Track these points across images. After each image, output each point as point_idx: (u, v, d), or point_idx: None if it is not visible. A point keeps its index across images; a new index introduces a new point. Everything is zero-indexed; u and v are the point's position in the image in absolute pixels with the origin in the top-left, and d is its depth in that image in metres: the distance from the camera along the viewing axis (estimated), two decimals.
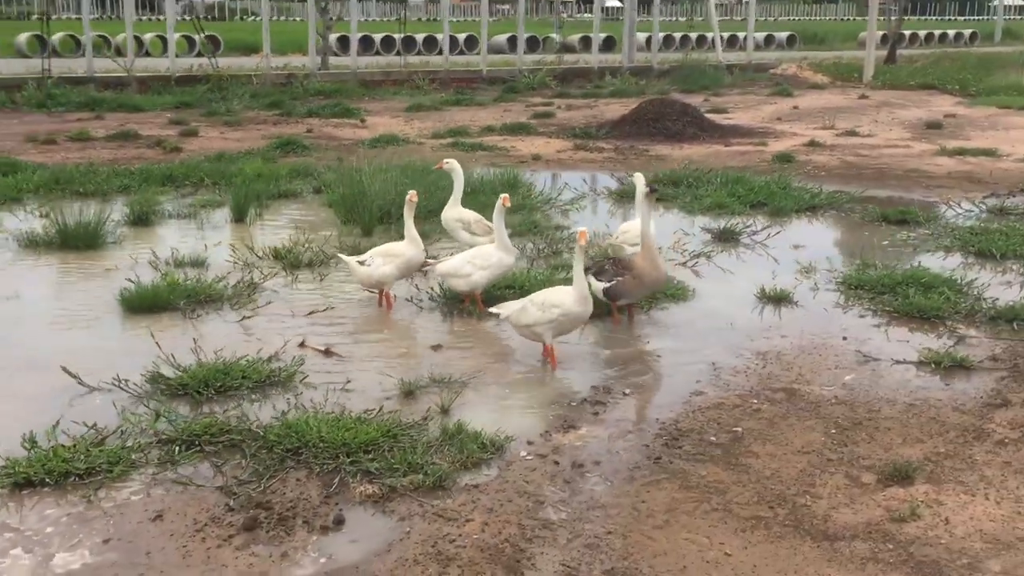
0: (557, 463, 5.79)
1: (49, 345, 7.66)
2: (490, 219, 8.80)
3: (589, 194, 14.06)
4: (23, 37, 34.73)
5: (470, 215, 9.53)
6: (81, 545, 4.89)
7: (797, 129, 20.94)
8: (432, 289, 9.03)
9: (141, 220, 11.73)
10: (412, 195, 8.44)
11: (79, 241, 10.48)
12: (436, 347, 7.73)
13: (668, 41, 43.11)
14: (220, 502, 5.27)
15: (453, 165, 9.49)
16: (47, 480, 5.41)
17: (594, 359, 7.55)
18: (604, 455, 5.90)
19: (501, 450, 5.89)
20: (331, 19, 33.36)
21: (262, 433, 5.94)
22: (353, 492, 5.40)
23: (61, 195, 13.12)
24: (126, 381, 6.66)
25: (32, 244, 10.57)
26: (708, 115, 21.34)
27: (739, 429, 6.25)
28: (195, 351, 7.23)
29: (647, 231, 7.97)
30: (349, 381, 6.90)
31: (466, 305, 8.57)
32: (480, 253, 8.35)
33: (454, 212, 9.51)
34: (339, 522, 5.11)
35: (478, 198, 11.28)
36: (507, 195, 8.31)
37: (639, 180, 9.09)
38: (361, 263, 8.48)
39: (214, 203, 12.82)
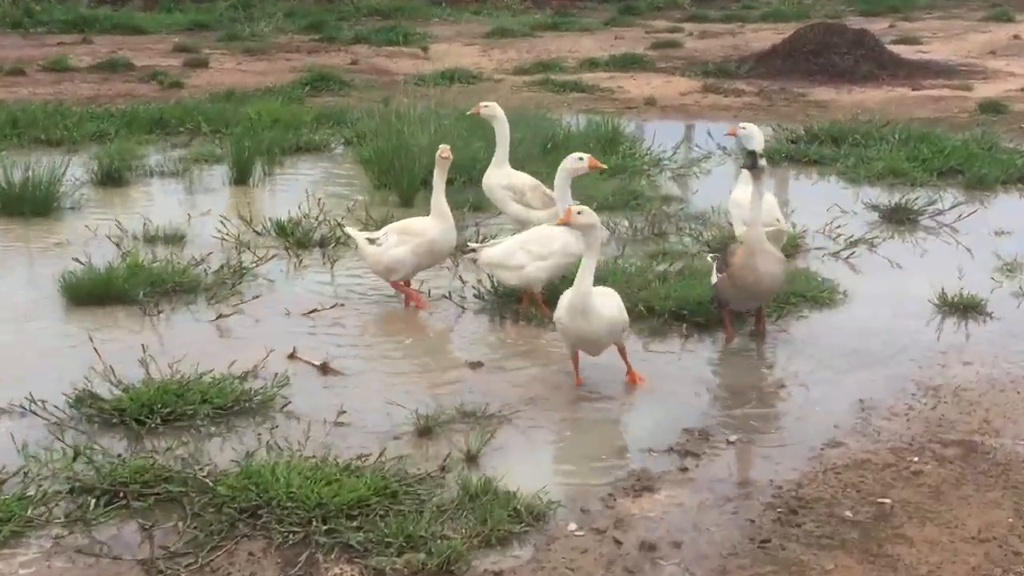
0: (619, 543, 5.31)
1: None
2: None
3: (717, 153, 13.45)
4: None
5: (523, 180, 9.23)
6: None
7: (1016, 68, 20.03)
8: (481, 283, 8.63)
9: (112, 178, 11.71)
10: (444, 150, 8.09)
11: (24, 206, 10.42)
12: (475, 365, 7.36)
13: None
14: None
15: (494, 110, 9.25)
16: None
17: (693, 390, 7.05)
18: (688, 533, 5.40)
19: (541, 520, 5.44)
20: None
21: (211, 484, 5.59)
22: (324, 574, 5.01)
23: (16, 143, 13.09)
24: (42, 403, 6.39)
25: None
26: (892, 47, 20.61)
27: (888, 501, 5.69)
28: (144, 362, 6.94)
29: (755, 216, 7.44)
30: (344, 412, 6.52)
31: (524, 307, 8.15)
32: (538, 236, 7.92)
33: (500, 175, 9.20)
34: None
35: (558, 157, 10.89)
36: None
37: (752, 134, 8.65)
38: (372, 241, 8.14)
39: (212, 157, 12.72)
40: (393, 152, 11.22)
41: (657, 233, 10.09)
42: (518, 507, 5.46)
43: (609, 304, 6.88)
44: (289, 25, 23.96)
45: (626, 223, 10.27)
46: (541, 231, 8.03)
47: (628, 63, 19.82)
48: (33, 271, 9.13)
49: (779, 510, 5.62)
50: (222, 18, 24.28)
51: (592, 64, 19.75)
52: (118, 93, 16.40)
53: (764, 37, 23.08)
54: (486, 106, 9.32)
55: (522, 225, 8.96)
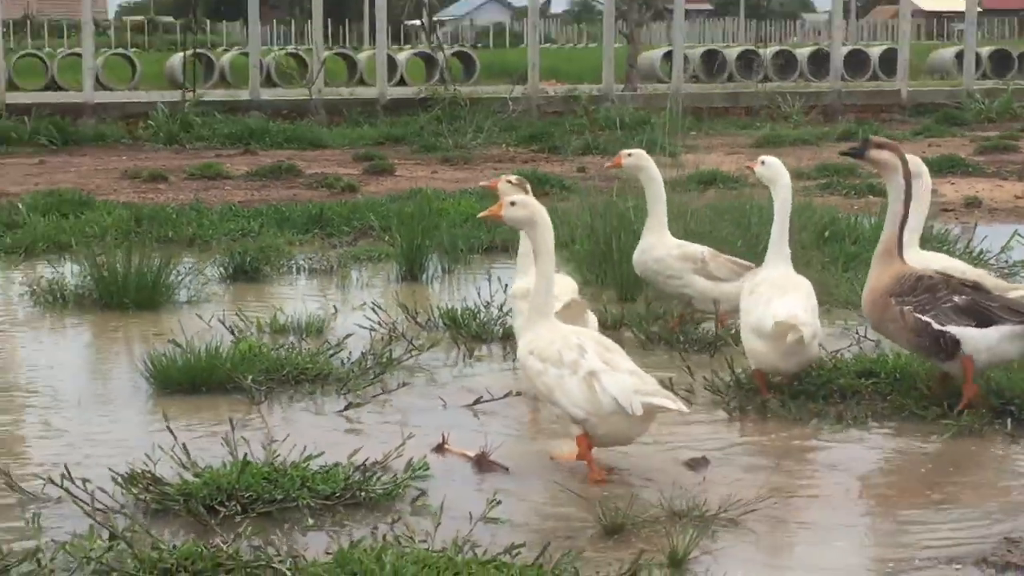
0: None
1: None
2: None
3: None
4: (177, 59, 37.20)
5: (696, 247, 9.23)
6: None
7: None
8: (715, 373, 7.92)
9: (246, 273, 11.60)
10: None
11: (129, 297, 10.26)
12: (694, 463, 6.61)
13: None
14: None
15: (639, 159, 8.96)
16: None
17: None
18: None
19: None
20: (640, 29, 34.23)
21: (287, 572, 4.94)
22: None
23: (138, 241, 13.07)
24: (85, 481, 5.89)
25: (57, 301, 10.45)
26: None
27: None
28: (229, 441, 6.42)
29: None
30: (498, 502, 5.81)
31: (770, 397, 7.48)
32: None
33: (667, 245, 9.25)
34: None
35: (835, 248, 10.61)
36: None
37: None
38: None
39: (380, 255, 12.49)
40: (609, 235, 10.80)
41: None
42: None
43: None
44: (505, 137, 24.07)
45: None
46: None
47: (946, 166, 19.07)
48: (122, 362, 8.87)
49: None
50: (420, 131, 24.49)
51: None
52: (278, 198, 16.44)
53: None
54: (629, 154, 9.04)
55: (706, 302, 9.10)
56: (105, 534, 5.43)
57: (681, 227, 10.97)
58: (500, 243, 12.99)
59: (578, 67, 41.24)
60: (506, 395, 7.74)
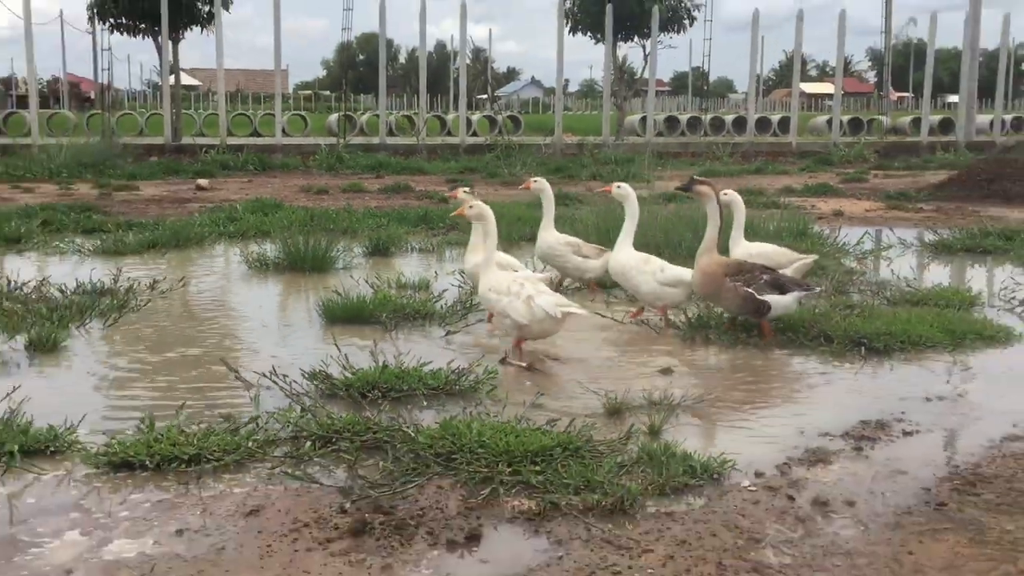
0: (792, 499, 4.38)
1: (229, 344, 7.30)
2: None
3: (898, 246, 12.26)
4: (333, 117, 37.10)
5: (573, 239, 9.11)
6: (147, 533, 4.05)
7: None
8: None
9: (380, 251, 11.47)
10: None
11: (306, 264, 10.25)
12: (664, 371, 6.52)
13: (1018, 125, 40.52)
14: (334, 503, 4.30)
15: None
16: (147, 463, 4.66)
17: (874, 395, 6.00)
18: (863, 495, 4.42)
19: (716, 479, 4.57)
20: (626, 102, 33.89)
21: (412, 434, 4.94)
22: (503, 506, 4.27)
23: (311, 231, 13.05)
24: (284, 376, 5.91)
25: (262, 266, 10.42)
26: None
27: None
28: (373, 353, 6.41)
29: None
30: (542, 394, 5.81)
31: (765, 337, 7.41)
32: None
33: (555, 236, 9.05)
34: (473, 537, 3.98)
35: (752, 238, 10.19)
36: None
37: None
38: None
39: (463, 241, 12.30)
40: (608, 235, 10.63)
41: (838, 291, 9.03)
42: (694, 465, 4.62)
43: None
44: (539, 169, 23.89)
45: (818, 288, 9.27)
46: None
47: (820, 191, 18.74)
48: (299, 302, 8.86)
49: (956, 482, 4.59)
50: (487, 165, 24.38)
51: (789, 191, 18.75)
52: (398, 205, 16.36)
53: (941, 177, 21.54)
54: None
55: (581, 273, 9.01)
56: (298, 408, 5.50)
57: (653, 228, 10.87)
58: (532, 236, 12.94)
59: (585, 125, 41.11)
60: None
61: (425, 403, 5.72)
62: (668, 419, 5.36)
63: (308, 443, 4.96)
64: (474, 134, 32.57)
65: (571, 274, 9.15)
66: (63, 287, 8.80)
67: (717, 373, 6.55)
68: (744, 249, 8.66)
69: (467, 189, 9.11)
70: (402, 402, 5.73)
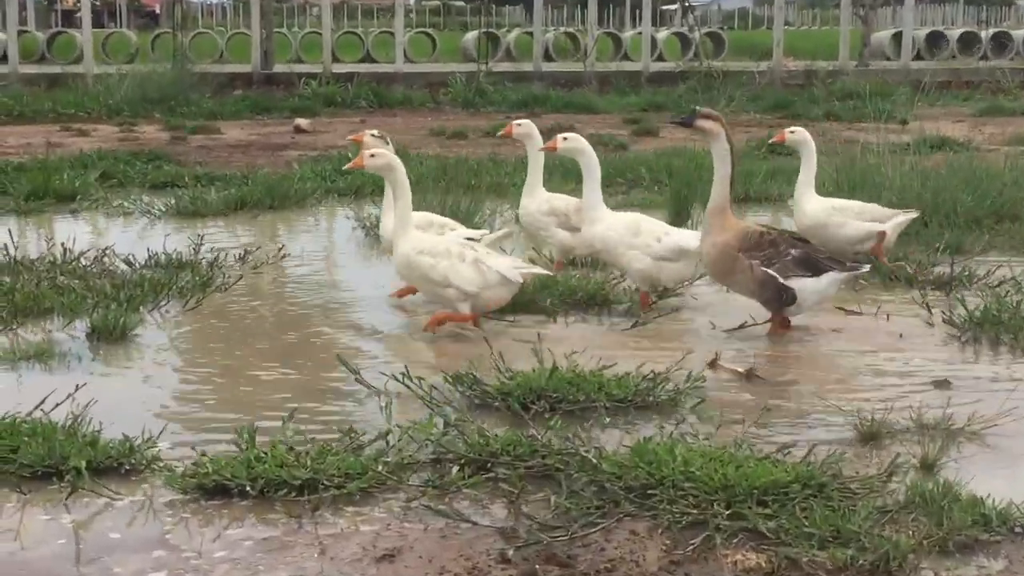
0: None
1: (343, 335, 7.63)
2: None
3: None
4: (471, 36, 37.52)
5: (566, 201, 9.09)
6: None
7: None
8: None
9: None
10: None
11: None
12: (939, 384, 6.44)
13: None
14: (493, 549, 4.39)
15: (527, 129, 8.86)
16: (248, 488, 4.83)
17: None
18: None
19: (1021, 533, 4.48)
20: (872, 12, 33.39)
21: (595, 461, 4.99)
22: (721, 561, 4.29)
23: (446, 188, 13.25)
24: (420, 380, 6.03)
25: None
26: None
27: None
28: (536, 351, 6.49)
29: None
30: (768, 410, 5.78)
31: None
32: None
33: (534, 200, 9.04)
34: None
35: None
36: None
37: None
38: None
39: (649, 203, 12.35)
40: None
41: None
42: (986, 512, 4.57)
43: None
44: (752, 105, 23.75)
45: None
46: None
47: None
48: None
49: None
50: (679, 100, 24.28)
51: None
52: None
53: None
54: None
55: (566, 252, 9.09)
56: (440, 422, 5.59)
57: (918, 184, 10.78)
58: (754, 194, 12.91)
59: (812, 46, 40.35)
60: (767, 321, 7.66)
61: (608, 419, 5.78)
62: (947, 449, 5.28)
63: (455, 468, 5.08)
64: (660, 58, 32.46)
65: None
66: (131, 258, 9.18)
67: (1012, 388, 6.39)
68: (818, 204, 9.07)
69: (375, 132, 9.00)
70: (577, 417, 5.81)
